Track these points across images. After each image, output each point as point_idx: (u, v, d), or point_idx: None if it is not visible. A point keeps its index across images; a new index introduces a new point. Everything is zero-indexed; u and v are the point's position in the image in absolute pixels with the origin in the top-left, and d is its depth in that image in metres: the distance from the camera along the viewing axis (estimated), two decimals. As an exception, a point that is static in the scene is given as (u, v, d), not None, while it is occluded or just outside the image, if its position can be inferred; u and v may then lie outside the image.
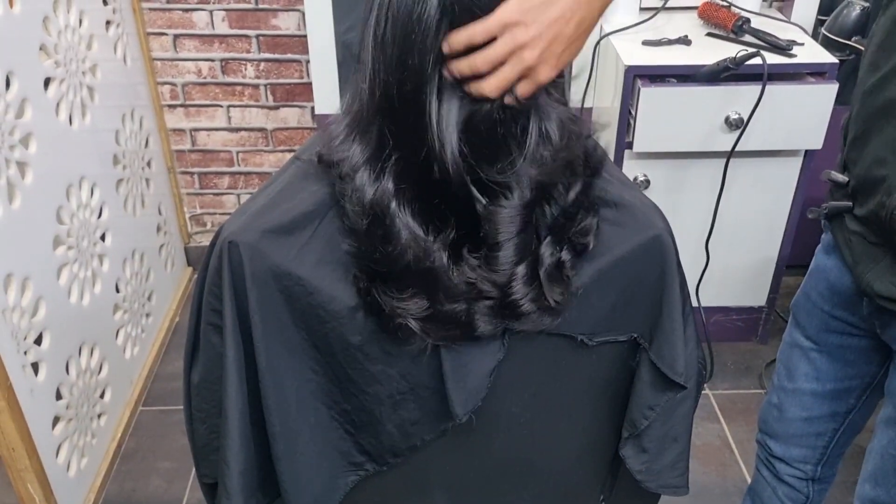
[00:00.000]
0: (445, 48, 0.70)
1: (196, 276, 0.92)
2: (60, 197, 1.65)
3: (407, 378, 0.87)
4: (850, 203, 1.04)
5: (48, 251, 1.60)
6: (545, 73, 0.70)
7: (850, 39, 1.89)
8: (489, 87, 0.70)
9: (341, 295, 0.82)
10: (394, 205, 0.75)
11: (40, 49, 1.59)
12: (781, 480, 1.32)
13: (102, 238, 1.87)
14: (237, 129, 2.36)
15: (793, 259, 2.11)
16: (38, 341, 1.56)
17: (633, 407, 0.95)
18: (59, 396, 1.63)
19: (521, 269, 0.78)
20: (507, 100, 0.72)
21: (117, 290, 1.95)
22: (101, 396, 1.86)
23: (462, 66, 0.70)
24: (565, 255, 0.80)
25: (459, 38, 0.69)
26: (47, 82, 1.62)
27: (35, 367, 1.54)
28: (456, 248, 0.78)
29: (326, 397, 0.89)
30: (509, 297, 0.78)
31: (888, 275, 0.97)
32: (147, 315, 2.17)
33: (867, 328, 1.09)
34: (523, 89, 0.71)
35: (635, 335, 0.90)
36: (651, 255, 0.87)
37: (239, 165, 2.43)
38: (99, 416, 1.84)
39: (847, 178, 1.04)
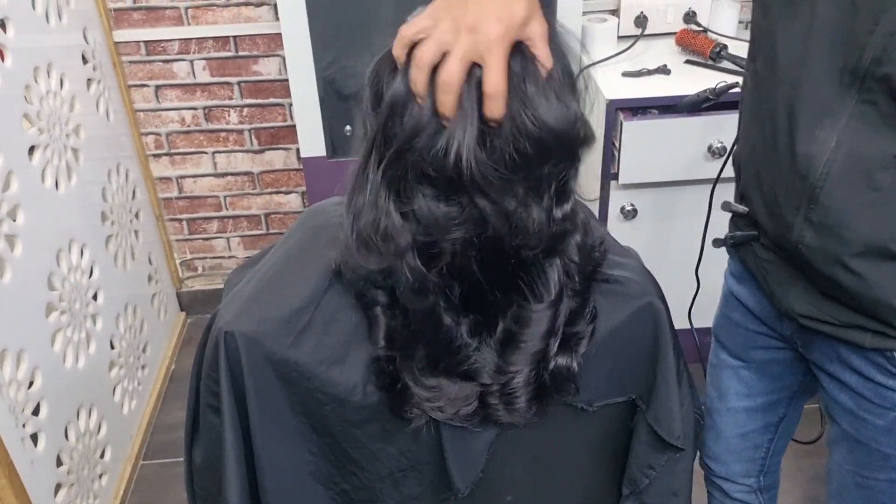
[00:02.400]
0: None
1: (193, 359, 0.92)
2: (51, 263, 1.65)
3: (407, 455, 0.88)
4: (756, 232, 1.06)
5: (41, 320, 1.60)
6: (488, 30, 0.64)
7: (826, 60, 1.91)
8: (439, 103, 0.66)
9: (339, 377, 0.83)
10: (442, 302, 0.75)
11: (23, 117, 1.59)
12: (732, 498, 1.35)
13: (94, 297, 1.87)
14: (223, 175, 2.36)
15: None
16: (36, 412, 1.55)
17: (632, 466, 0.96)
18: (59, 463, 1.63)
19: (523, 374, 0.79)
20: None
21: (112, 347, 1.95)
22: (102, 456, 1.85)
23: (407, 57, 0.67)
24: (568, 361, 0.82)
25: (404, 32, 0.67)
26: (31, 149, 1.62)
27: (34, 437, 1.54)
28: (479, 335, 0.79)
29: (325, 479, 0.90)
30: (508, 390, 0.79)
31: (807, 296, 1.00)
32: (143, 367, 2.16)
33: (791, 344, 1.11)
34: (489, 97, 0.65)
35: (633, 396, 0.92)
36: (644, 322, 0.89)
37: (227, 209, 2.43)
38: (100, 476, 1.83)
39: (747, 209, 1.06)
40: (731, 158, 1.14)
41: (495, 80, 0.65)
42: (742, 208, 1.07)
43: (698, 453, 1.36)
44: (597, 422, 0.91)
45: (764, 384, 1.21)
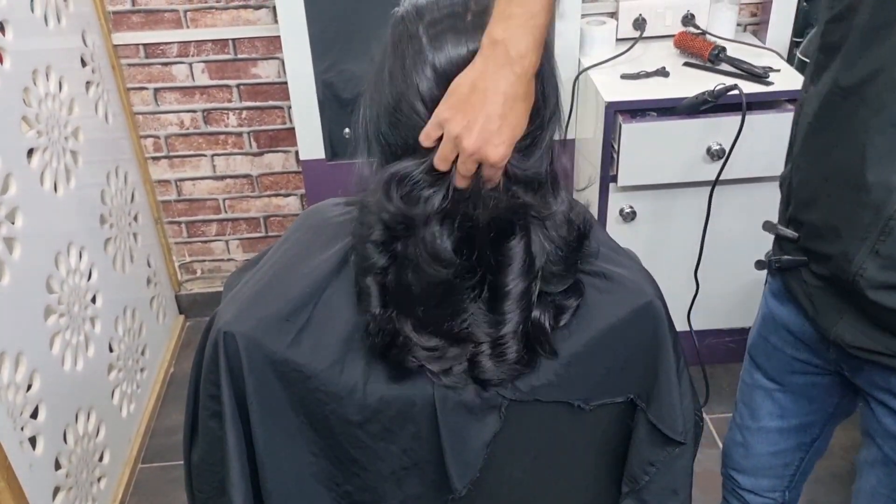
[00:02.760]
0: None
1: (192, 362, 0.92)
2: (49, 266, 1.65)
3: (408, 454, 0.88)
4: (806, 259, 1.02)
5: (40, 323, 1.59)
6: (493, 153, 0.73)
7: (824, 63, 1.91)
8: (456, 181, 0.76)
9: (340, 376, 0.83)
10: (437, 227, 0.78)
11: (22, 120, 1.59)
12: None
13: (93, 300, 1.87)
14: (222, 177, 2.36)
15: (781, 277, 2.12)
16: (35, 415, 1.55)
17: (632, 463, 0.96)
18: (58, 466, 1.62)
19: (513, 322, 0.81)
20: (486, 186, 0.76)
21: (111, 350, 1.95)
22: (100, 459, 1.85)
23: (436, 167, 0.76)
24: (544, 319, 0.83)
25: (422, 142, 0.76)
26: (30, 152, 1.62)
27: (33, 440, 1.53)
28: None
29: (328, 480, 0.90)
30: (500, 341, 0.81)
31: (858, 325, 0.97)
32: (142, 370, 2.16)
33: (833, 368, 1.09)
34: (487, 174, 0.75)
35: (631, 396, 0.92)
36: (643, 321, 0.89)
37: (226, 212, 2.43)
38: (99, 479, 1.83)
39: (797, 234, 1.02)
40: (779, 180, 1.09)
41: (458, 176, 0.75)
42: (791, 233, 1.03)
43: (721, 464, 1.36)
44: (595, 421, 0.91)
45: (799, 407, 1.18)
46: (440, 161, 0.75)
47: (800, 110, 1.02)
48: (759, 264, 1.13)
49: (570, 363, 0.85)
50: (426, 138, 0.75)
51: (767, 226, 1.09)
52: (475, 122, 0.72)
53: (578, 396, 0.87)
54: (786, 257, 1.05)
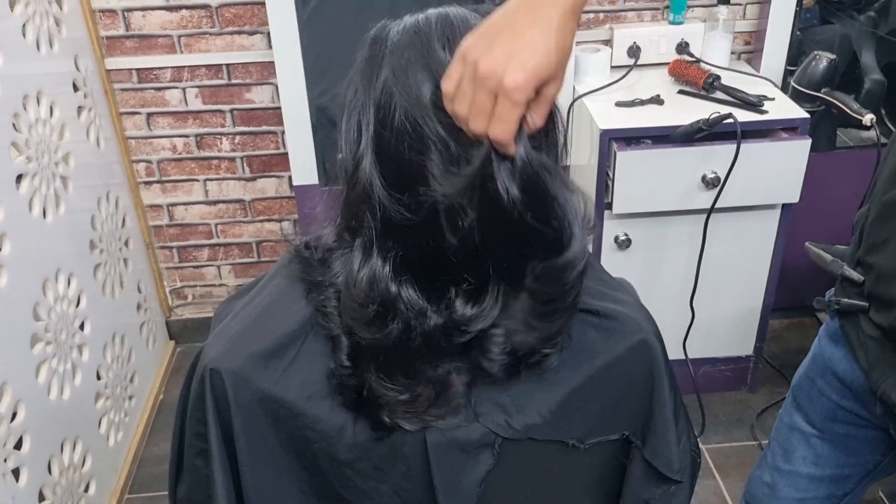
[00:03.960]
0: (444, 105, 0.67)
1: (178, 396, 0.90)
2: (37, 293, 1.62)
3: (400, 493, 0.86)
4: (867, 304, 0.99)
5: (26, 351, 1.57)
6: (510, 77, 0.61)
7: (819, 91, 1.91)
8: (471, 124, 0.64)
9: (328, 414, 0.82)
10: (394, 286, 0.74)
11: (11, 146, 1.57)
12: None
13: (81, 327, 1.84)
14: (215, 202, 2.35)
15: (777, 303, 2.11)
16: (18, 445, 1.52)
17: (627, 501, 0.94)
18: (41, 498, 1.59)
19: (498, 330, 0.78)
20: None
21: (98, 378, 1.92)
22: (86, 490, 1.81)
23: (452, 113, 0.66)
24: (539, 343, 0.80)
25: (443, 88, 0.66)
26: (19, 178, 1.60)
27: (16, 472, 1.50)
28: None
29: (317, 519, 0.87)
30: (485, 351, 0.78)
31: None
32: (130, 397, 2.13)
33: (879, 423, 1.06)
34: (494, 132, 0.64)
35: (626, 433, 0.90)
36: (638, 358, 0.87)
37: (218, 237, 2.41)
38: (84, 510, 1.79)
39: (862, 278, 0.99)
40: (854, 221, 1.06)
41: (471, 114, 0.64)
42: (857, 276, 1.00)
43: (742, 498, 1.33)
44: (590, 459, 0.89)
45: (837, 457, 1.14)
46: (447, 81, 0.65)
47: (886, 153, 0.99)
48: (818, 302, 1.09)
49: (564, 401, 0.83)
50: (448, 80, 0.65)
51: (834, 265, 1.05)
52: (497, 43, 0.61)
53: (573, 435, 0.86)
54: (846, 300, 1.02)
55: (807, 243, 1.07)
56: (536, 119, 0.65)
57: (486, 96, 0.62)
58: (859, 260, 1.01)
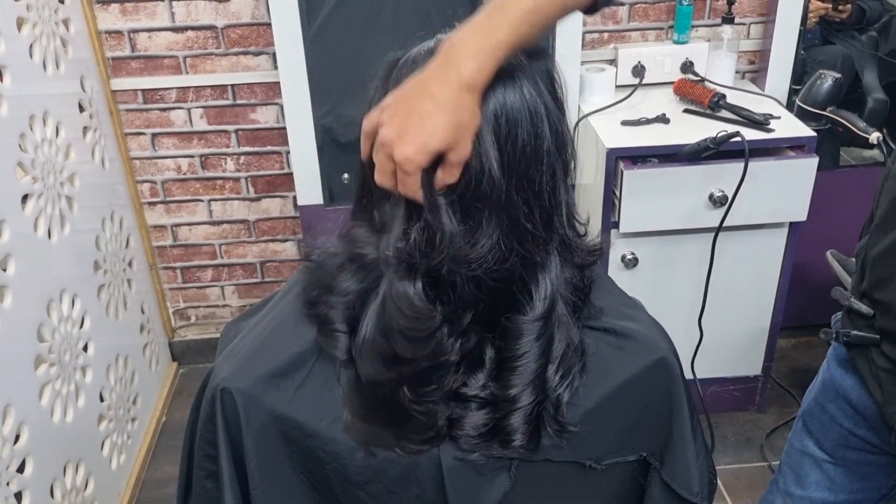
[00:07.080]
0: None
1: (186, 419, 0.89)
2: (41, 314, 1.61)
3: (413, 516, 0.84)
4: (878, 337, 0.98)
5: (29, 373, 1.55)
6: (399, 150, 0.67)
7: (824, 110, 1.91)
8: (377, 179, 0.71)
9: (341, 435, 0.81)
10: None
11: (17, 166, 1.57)
12: None
13: (85, 348, 1.82)
14: (219, 223, 2.34)
15: (785, 321, 2.10)
16: (21, 468, 1.50)
17: (644, 523, 0.92)
18: (43, 522, 1.57)
19: (525, 397, 0.77)
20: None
21: (101, 399, 1.90)
22: (88, 514, 1.79)
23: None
24: (564, 392, 0.79)
25: (362, 126, 0.73)
26: (25, 198, 1.59)
27: (18, 496, 1.48)
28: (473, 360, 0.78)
29: (329, 542, 0.86)
30: (505, 422, 0.78)
31: None
32: (133, 420, 2.11)
33: (893, 451, 1.05)
34: (399, 178, 0.70)
35: (644, 454, 0.88)
36: (656, 377, 0.87)
37: (222, 258, 2.40)
38: (86, 535, 1.77)
39: (871, 311, 0.98)
40: (856, 252, 1.05)
41: (402, 181, 0.69)
42: (866, 309, 0.99)
43: None
44: (607, 480, 0.88)
45: (850, 482, 1.13)
46: (366, 121, 0.72)
47: (884, 182, 0.98)
48: (825, 333, 1.07)
49: (581, 422, 0.82)
50: (368, 123, 0.71)
51: (838, 293, 1.04)
52: (396, 115, 0.68)
53: (590, 456, 0.84)
54: (855, 332, 1.00)
55: (829, 252, 1.05)
56: (445, 178, 0.70)
57: (386, 160, 0.69)
58: (864, 293, 1.00)
